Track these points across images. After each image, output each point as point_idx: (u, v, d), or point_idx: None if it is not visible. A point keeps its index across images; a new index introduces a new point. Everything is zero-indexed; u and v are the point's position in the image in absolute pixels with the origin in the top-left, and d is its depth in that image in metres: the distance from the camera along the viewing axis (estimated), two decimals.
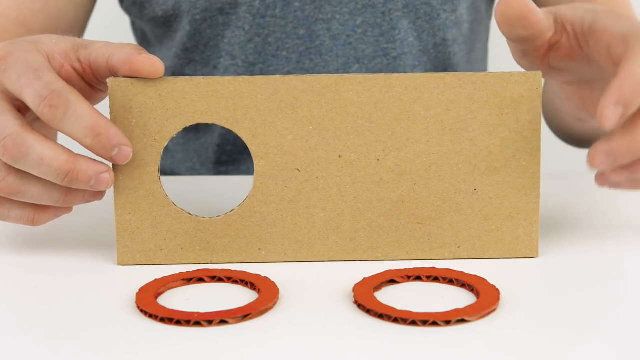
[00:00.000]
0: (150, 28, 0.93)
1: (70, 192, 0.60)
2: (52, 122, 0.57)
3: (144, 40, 0.98)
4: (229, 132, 0.91)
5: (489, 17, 0.99)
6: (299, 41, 0.87)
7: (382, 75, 0.60)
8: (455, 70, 0.92)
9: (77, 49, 0.61)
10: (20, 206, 0.61)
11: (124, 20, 1.05)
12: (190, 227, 0.62)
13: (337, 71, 0.88)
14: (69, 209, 0.62)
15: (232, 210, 0.62)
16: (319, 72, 0.88)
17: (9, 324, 0.53)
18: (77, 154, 0.58)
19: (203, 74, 0.91)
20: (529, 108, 0.60)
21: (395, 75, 0.60)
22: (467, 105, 0.60)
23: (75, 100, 0.57)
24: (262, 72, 0.87)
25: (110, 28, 1.21)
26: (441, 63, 0.92)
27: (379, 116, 0.60)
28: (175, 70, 0.93)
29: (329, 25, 0.87)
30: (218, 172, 0.95)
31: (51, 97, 0.56)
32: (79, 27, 0.91)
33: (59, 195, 0.60)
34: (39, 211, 0.61)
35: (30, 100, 0.57)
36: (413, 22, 0.88)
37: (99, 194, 0.61)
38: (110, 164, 0.59)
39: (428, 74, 0.60)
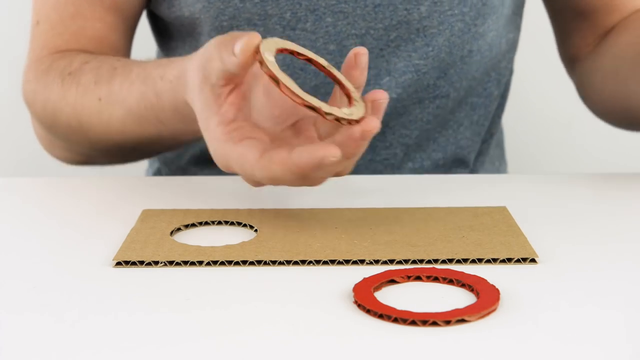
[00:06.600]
0: (176, 26, 0.92)
1: None
2: None
3: (165, 36, 0.96)
4: None
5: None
6: (329, 56, 0.87)
7: None
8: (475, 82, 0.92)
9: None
10: None
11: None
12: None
13: (367, 82, 0.87)
14: None
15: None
16: None
17: (10, 322, 0.53)
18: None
19: None
20: None
21: None
22: None
23: None
24: None
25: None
26: (465, 74, 0.91)
27: None
28: None
29: (362, 40, 0.87)
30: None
31: None
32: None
33: None
34: None
35: None
36: (447, 39, 0.88)
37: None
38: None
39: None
